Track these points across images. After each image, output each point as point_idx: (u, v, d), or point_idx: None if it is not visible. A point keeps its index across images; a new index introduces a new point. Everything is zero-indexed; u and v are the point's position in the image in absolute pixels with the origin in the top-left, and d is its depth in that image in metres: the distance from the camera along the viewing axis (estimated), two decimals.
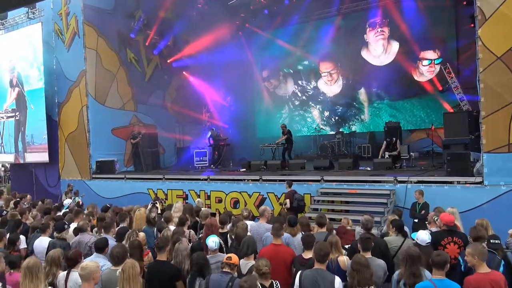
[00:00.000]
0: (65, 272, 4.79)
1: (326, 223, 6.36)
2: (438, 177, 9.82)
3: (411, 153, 12.49)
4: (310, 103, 19.42)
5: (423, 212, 8.15)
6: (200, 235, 6.77)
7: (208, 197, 12.56)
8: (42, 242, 6.40)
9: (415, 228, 7.32)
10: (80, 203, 10.96)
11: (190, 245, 5.76)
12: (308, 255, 5.06)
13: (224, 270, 4.54)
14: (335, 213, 10.01)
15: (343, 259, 5.07)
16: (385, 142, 13.01)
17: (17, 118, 18.19)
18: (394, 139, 12.95)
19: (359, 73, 17.82)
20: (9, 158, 18.89)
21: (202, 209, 8.05)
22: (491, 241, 5.13)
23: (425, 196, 8.63)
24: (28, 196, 12.31)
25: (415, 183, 9.69)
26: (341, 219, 8.41)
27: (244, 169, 14.06)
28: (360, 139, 16.70)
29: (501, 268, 4.71)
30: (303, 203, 10.13)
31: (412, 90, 16.32)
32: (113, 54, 16.61)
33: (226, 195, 12.30)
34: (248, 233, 6.00)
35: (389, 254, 5.55)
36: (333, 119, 18.71)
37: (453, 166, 9.63)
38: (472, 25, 10.74)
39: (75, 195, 12.21)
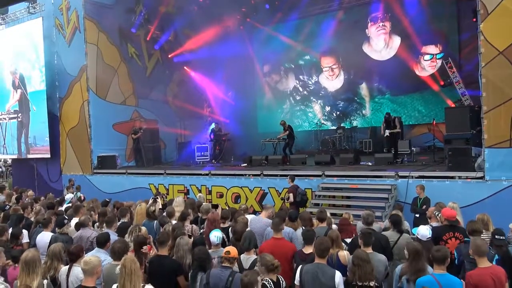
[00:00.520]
0: (67, 267, 4.82)
1: (326, 218, 6.36)
2: (439, 172, 9.82)
3: (412, 148, 12.46)
4: (312, 98, 19.37)
5: (424, 207, 8.16)
6: (202, 229, 6.78)
7: (210, 192, 12.59)
8: (44, 237, 6.43)
9: (416, 223, 7.34)
10: (82, 198, 11.00)
11: (192, 239, 5.78)
12: (308, 250, 5.07)
13: (223, 264, 4.55)
14: (336, 208, 10.02)
15: (344, 254, 5.08)
16: (384, 119, 13.29)
17: (19, 119, 18.15)
18: (393, 116, 13.18)
19: (360, 68, 17.75)
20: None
21: (203, 204, 8.07)
22: (496, 236, 5.14)
23: (426, 191, 8.64)
24: (30, 191, 12.34)
25: (416, 178, 9.69)
26: (342, 214, 8.42)
27: (245, 164, 14.07)
28: (362, 134, 16.67)
29: (494, 262, 4.72)
30: (306, 198, 10.16)
31: (413, 85, 16.25)
32: (114, 49, 16.60)
33: (227, 190, 12.32)
34: (248, 228, 6.02)
35: (390, 249, 5.55)
36: (334, 114, 18.68)
37: (454, 161, 9.61)
38: (474, 19, 10.65)
39: (77, 190, 12.24)
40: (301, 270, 4.54)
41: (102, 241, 5.31)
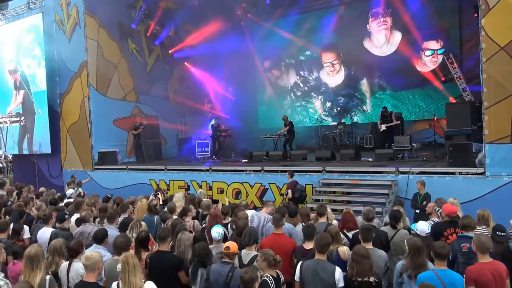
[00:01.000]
0: (67, 263, 4.83)
1: (326, 213, 6.37)
2: (440, 168, 9.80)
3: (413, 144, 12.45)
4: (312, 93, 19.36)
5: (424, 203, 8.15)
6: (203, 225, 6.80)
7: (210, 188, 12.59)
8: (45, 232, 6.45)
9: (417, 219, 7.34)
10: (82, 193, 11.00)
11: (193, 235, 5.79)
12: (309, 246, 5.08)
13: (223, 260, 4.57)
14: (336, 204, 10.03)
15: (344, 250, 5.10)
16: (380, 113, 13.64)
17: (22, 123, 17.91)
18: (390, 111, 13.48)
19: (361, 64, 17.73)
20: None
21: (203, 199, 8.08)
22: (497, 232, 5.14)
23: (427, 186, 8.63)
24: (31, 187, 12.35)
25: (417, 174, 9.69)
26: (342, 209, 8.43)
27: (246, 160, 14.08)
28: (362, 130, 16.68)
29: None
30: (305, 194, 10.16)
31: (414, 81, 16.25)
32: (114, 44, 16.57)
33: (228, 185, 12.32)
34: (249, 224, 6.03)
35: (389, 245, 5.57)
36: (335, 109, 18.66)
37: (455, 156, 9.60)
38: (476, 15, 10.65)
39: (77, 186, 12.24)
40: (301, 266, 4.55)
41: (100, 237, 5.32)
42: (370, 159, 12.11)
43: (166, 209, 7.38)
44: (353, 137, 16.61)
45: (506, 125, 8.63)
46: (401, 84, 16.68)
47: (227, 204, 8.34)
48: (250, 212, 6.97)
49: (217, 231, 5.23)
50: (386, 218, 7.72)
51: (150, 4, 17.31)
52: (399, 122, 13.68)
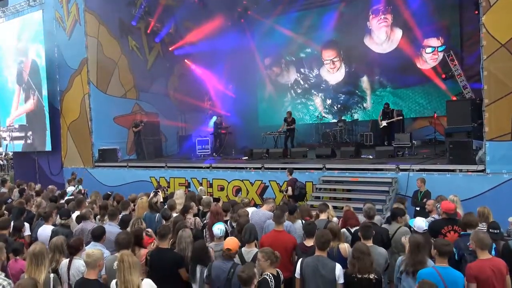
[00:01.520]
0: (67, 260, 4.84)
1: (327, 210, 6.37)
2: (440, 165, 9.80)
3: (413, 141, 12.44)
4: (313, 91, 19.35)
5: (425, 200, 8.15)
6: (204, 222, 6.81)
7: (211, 185, 12.61)
8: (45, 230, 6.46)
9: (417, 217, 7.33)
10: (82, 191, 11.02)
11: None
12: (310, 243, 5.08)
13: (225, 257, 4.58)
14: (337, 201, 10.03)
15: (344, 247, 5.11)
16: (382, 110, 13.73)
17: (29, 141, 17.53)
18: (391, 108, 13.66)
19: (361, 61, 17.71)
20: None
21: (204, 197, 8.09)
22: (490, 230, 5.15)
23: (427, 184, 8.65)
24: (33, 184, 12.38)
25: (417, 171, 9.69)
26: (343, 207, 8.43)
27: (246, 157, 14.08)
28: (362, 127, 16.67)
29: (493, 252, 4.74)
30: (305, 191, 10.18)
31: (415, 78, 16.22)
32: (115, 42, 16.55)
33: (228, 183, 12.34)
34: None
35: (390, 243, 5.57)
36: (335, 107, 18.66)
37: (455, 154, 9.61)
38: (476, 12, 10.64)
39: (78, 183, 12.26)
40: (302, 262, 4.56)
41: (97, 235, 5.34)
42: (371, 157, 12.11)
43: (166, 206, 7.38)
44: (354, 135, 16.61)
45: (507, 123, 8.63)
46: (402, 81, 16.66)
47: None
48: (250, 210, 6.97)
49: (219, 228, 5.24)
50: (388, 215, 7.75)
51: (150, 1, 17.27)
52: (401, 117, 13.67)
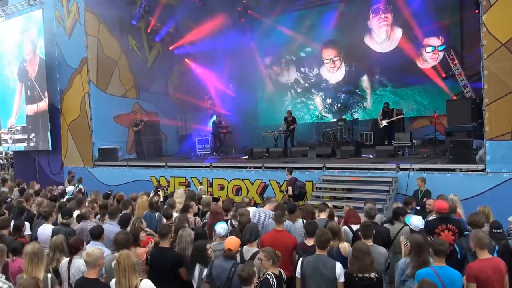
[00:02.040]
0: (67, 259, 4.84)
1: (327, 210, 6.37)
2: (440, 164, 9.81)
3: (413, 141, 12.44)
4: (313, 90, 19.34)
5: (425, 199, 8.15)
6: (203, 221, 6.81)
7: (211, 185, 12.61)
8: (45, 229, 6.45)
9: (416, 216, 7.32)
10: (83, 190, 11.02)
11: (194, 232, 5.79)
12: (310, 242, 5.08)
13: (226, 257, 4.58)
14: (337, 200, 10.03)
15: (344, 246, 5.11)
16: (381, 109, 13.75)
17: (31, 143, 17.51)
18: (391, 108, 13.63)
19: (362, 60, 17.70)
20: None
21: (203, 196, 8.09)
22: (493, 230, 5.14)
23: (427, 183, 8.64)
24: (34, 183, 12.38)
25: (417, 170, 9.69)
26: (343, 206, 8.43)
27: (246, 157, 14.09)
28: (363, 126, 16.66)
29: (495, 254, 4.74)
30: (304, 191, 10.18)
31: (415, 77, 16.19)
32: (115, 41, 16.55)
33: (228, 182, 12.34)
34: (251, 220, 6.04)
35: (391, 242, 5.57)
36: (335, 106, 18.65)
37: (455, 153, 9.61)
38: (477, 11, 10.62)
39: (78, 182, 12.27)
40: (302, 261, 4.57)
41: (96, 234, 5.34)
42: (371, 156, 12.12)
43: (166, 205, 7.38)
44: (354, 134, 16.59)
45: (507, 122, 8.63)
46: (402, 80, 16.64)
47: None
48: (251, 209, 6.98)
49: (222, 227, 5.26)
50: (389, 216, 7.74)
51: (151, 0, 17.25)
52: (401, 116, 13.66)
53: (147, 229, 6.12)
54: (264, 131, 16.26)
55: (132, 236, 5.18)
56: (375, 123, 15.37)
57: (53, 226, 6.50)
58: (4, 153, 25.24)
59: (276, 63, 20.07)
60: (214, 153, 16.14)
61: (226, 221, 6.35)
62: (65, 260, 4.87)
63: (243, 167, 12.39)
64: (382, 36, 17.06)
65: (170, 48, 18.80)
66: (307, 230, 5.27)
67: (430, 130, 14.50)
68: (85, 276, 4.27)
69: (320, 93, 19.11)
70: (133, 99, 17.21)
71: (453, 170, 9.36)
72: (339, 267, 4.42)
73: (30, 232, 6.97)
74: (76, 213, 7.16)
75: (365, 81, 17.85)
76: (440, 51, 15.71)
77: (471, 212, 5.55)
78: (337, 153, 13.03)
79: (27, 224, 6.94)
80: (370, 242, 4.85)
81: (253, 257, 4.81)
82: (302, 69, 19.54)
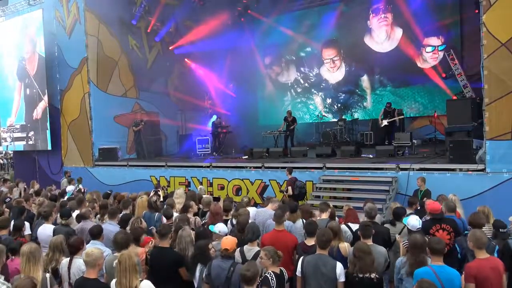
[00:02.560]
0: (68, 259, 4.84)
1: (328, 210, 6.37)
2: (440, 164, 9.81)
3: (413, 140, 12.44)
4: (313, 90, 19.35)
5: (425, 199, 8.14)
6: (203, 221, 6.80)
7: (211, 184, 12.61)
8: (45, 229, 6.44)
9: (416, 215, 7.31)
10: (82, 190, 11.02)
11: (195, 232, 5.79)
12: (311, 242, 5.08)
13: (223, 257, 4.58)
14: (337, 200, 10.03)
15: (345, 246, 5.11)
16: (383, 109, 13.72)
17: (30, 141, 17.48)
18: (393, 108, 13.65)
19: (362, 60, 17.71)
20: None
21: (204, 196, 8.09)
22: (500, 230, 5.14)
23: (427, 183, 8.64)
24: (35, 182, 12.38)
25: (417, 170, 9.69)
26: (343, 206, 8.43)
27: (246, 157, 14.09)
28: (363, 126, 16.65)
29: (495, 254, 4.74)
30: (304, 190, 10.17)
31: (415, 77, 16.20)
32: (115, 41, 16.54)
33: (228, 182, 12.34)
34: (251, 220, 6.03)
35: (392, 242, 5.57)
36: (335, 106, 18.66)
37: (455, 153, 9.60)
38: (477, 11, 10.62)
39: (78, 182, 12.27)
40: (303, 261, 4.57)
41: (95, 233, 5.34)
42: (371, 156, 12.12)
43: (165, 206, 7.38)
44: (354, 134, 16.60)
45: (507, 122, 8.63)
46: (402, 80, 16.65)
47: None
48: (252, 209, 6.98)
49: (219, 229, 5.27)
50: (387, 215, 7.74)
51: (151, 0, 17.26)
52: (402, 116, 13.65)
53: (153, 227, 6.09)
54: (264, 131, 16.25)
55: (132, 236, 5.18)
56: (375, 123, 15.38)
57: (53, 226, 6.49)
58: (4, 153, 25.23)
59: (276, 63, 20.07)
60: (214, 153, 16.15)
61: (226, 221, 6.36)
62: (66, 260, 4.86)
63: (243, 167, 12.39)
64: (382, 36, 17.06)
65: (170, 48, 18.80)
66: (307, 230, 5.27)
67: (430, 130, 14.52)
68: (84, 276, 4.26)
69: (320, 93, 19.12)
70: (133, 99, 17.22)
71: (453, 170, 9.36)
72: (339, 267, 4.43)
73: (30, 232, 6.97)
74: (76, 213, 7.16)
75: (365, 81, 17.85)
76: (440, 51, 15.71)
77: (472, 212, 5.55)
78: (337, 153, 13.03)
79: (27, 224, 6.93)
80: (369, 242, 4.86)
81: (255, 256, 4.82)
82: (302, 69, 19.54)
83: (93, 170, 15.54)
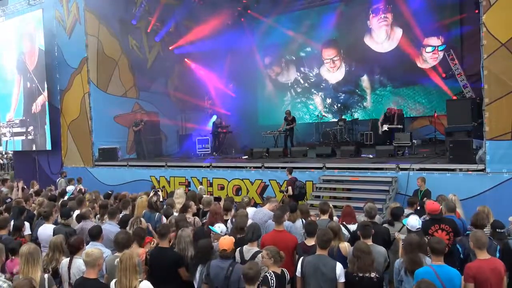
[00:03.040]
0: (68, 259, 4.84)
1: (329, 210, 6.37)
2: (440, 164, 9.81)
3: (413, 141, 12.44)
4: (313, 90, 19.35)
5: (425, 199, 8.14)
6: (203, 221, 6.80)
7: (211, 184, 12.61)
8: (46, 229, 6.43)
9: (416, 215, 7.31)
10: (83, 190, 11.01)
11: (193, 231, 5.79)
12: (311, 242, 5.08)
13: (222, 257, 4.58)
14: (337, 200, 10.03)
15: (345, 246, 5.11)
16: (383, 114, 13.67)
17: (30, 136, 17.42)
18: (394, 110, 13.56)
19: (362, 60, 17.70)
20: None
21: (204, 196, 8.09)
22: (497, 230, 5.14)
23: (427, 183, 8.63)
24: (35, 182, 12.37)
25: (417, 170, 9.69)
26: (342, 206, 8.42)
27: (246, 157, 14.09)
28: (363, 126, 16.63)
29: (497, 254, 4.74)
30: (304, 191, 10.17)
31: (415, 77, 16.21)
32: (115, 41, 16.54)
33: (228, 182, 12.34)
34: (250, 220, 6.03)
35: (391, 242, 5.57)
36: (335, 106, 18.65)
37: (455, 153, 9.61)
38: (477, 11, 10.62)
39: (78, 182, 12.26)
40: (303, 261, 4.57)
41: (95, 234, 5.32)
42: (371, 156, 12.12)
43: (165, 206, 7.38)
44: (354, 134, 16.58)
45: (507, 122, 8.63)
46: (402, 80, 16.65)
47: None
48: (251, 210, 6.97)
49: (219, 227, 5.27)
50: (386, 215, 7.72)
51: (151, 0, 17.26)
52: (401, 126, 13.55)
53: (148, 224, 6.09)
54: (264, 131, 16.23)
55: (135, 236, 5.19)
56: (375, 123, 15.38)
57: (54, 226, 6.49)
58: (4, 153, 25.23)
59: (276, 63, 20.07)
60: (214, 153, 16.14)
61: (226, 221, 6.36)
62: (66, 260, 4.86)
63: (243, 167, 12.40)
64: (382, 36, 17.06)
65: (170, 48, 18.79)
66: (307, 230, 5.28)
67: (430, 130, 14.51)
68: (84, 276, 4.26)
69: (320, 93, 19.12)
70: (133, 99, 17.22)
71: (453, 170, 9.36)
72: (339, 267, 4.43)
73: (30, 232, 6.96)
74: (76, 213, 7.16)
75: (365, 81, 17.85)
76: (440, 51, 15.71)
77: (475, 213, 5.55)
78: (337, 153, 13.03)
79: (27, 224, 6.93)
80: (369, 242, 4.86)
81: (253, 257, 4.81)
82: (302, 69, 19.54)
83: (93, 170, 15.54)
